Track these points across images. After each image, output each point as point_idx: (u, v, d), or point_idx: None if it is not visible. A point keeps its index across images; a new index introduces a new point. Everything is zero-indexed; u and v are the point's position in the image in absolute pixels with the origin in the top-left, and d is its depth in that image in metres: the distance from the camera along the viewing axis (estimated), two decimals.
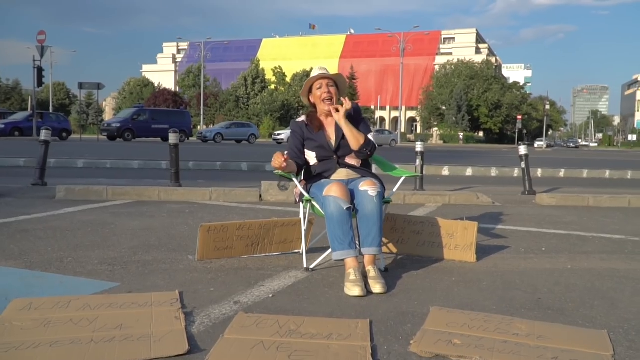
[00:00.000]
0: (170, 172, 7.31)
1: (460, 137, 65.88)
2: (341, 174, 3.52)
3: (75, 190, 6.48)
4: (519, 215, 6.17)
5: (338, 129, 3.56)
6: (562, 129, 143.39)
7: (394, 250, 3.99)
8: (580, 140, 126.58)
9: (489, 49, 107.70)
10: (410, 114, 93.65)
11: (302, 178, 3.67)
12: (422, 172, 7.67)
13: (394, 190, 3.64)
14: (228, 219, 5.46)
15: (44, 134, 7.27)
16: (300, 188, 3.53)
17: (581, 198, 7.14)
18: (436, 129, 75.84)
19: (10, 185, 7.24)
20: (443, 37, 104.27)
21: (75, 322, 2.45)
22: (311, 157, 3.60)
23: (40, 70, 28.00)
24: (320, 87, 3.56)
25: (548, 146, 60.80)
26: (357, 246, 3.26)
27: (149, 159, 13.22)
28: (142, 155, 14.54)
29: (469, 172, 12.96)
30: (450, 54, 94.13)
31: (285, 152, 3.44)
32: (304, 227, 3.70)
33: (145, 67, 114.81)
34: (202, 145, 29.21)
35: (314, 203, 3.42)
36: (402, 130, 72.07)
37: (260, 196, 6.77)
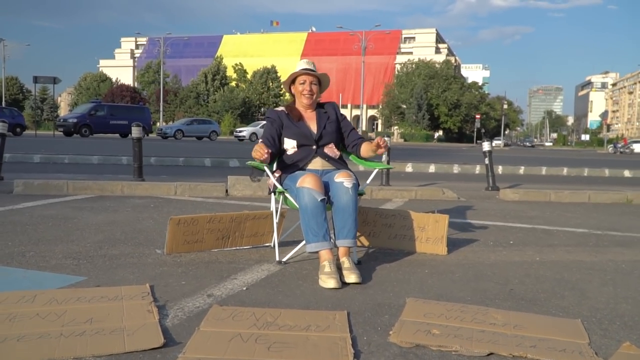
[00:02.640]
0: (132, 167, 7.14)
1: (435, 136, 66.78)
2: (316, 163, 3.49)
3: (34, 185, 6.26)
4: (484, 209, 6.25)
5: (320, 121, 3.57)
6: (518, 128, 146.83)
7: (366, 243, 3.98)
8: (535, 140, 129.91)
9: (449, 49, 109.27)
10: (372, 112, 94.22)
11: (275, 169, 3.63)
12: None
13: (367, 182, 3.63)
14: (196, 213, 5.34)
15: (0, 127, 6.99)
16: (273, 179, 3.48)
17: (543, 193, 7.29)
18: (397, 127, 76.55)
19: None
20: (404, 36, 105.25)
21: (42, 316, 2.35)
22: (290, 144, 3.56)
23: None
24: (303, 83, 3.56)
25: (505, 145, 62.11)
26: (331, 238, 3.23)
27: (109, 154, 12.90)
28: (101, 151, 14.18)
29: (431, 168, 13.11)
30: (411, 53, 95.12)
31: (259, 140, 3.41)
32: (275, 220, 3.65)
33: (102, 62, 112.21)
34: (162, 142, 28.72)
35: (287, 195, 3.38)
36: (364, 128, 72.33)
37: (227, 191, 6.68)
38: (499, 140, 58.99)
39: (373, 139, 3.56)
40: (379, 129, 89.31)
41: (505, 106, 57.63)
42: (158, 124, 60.30)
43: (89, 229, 4.35)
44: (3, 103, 64.81)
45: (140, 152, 7.12)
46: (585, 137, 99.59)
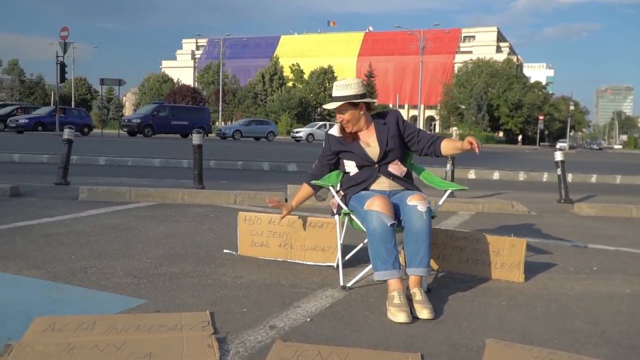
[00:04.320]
0: (192, 173, 7.11)
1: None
2: (383, 183, 3.28)
3: (98, 191, 6.31)
4: (559, 226, 5.87)
5: (381, 136, 3.31)
6: (584, 130, 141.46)
7: (435, 267, 3.73)
8: (603, 142, 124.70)
9: (510, 48, 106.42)
10: (429, 112, 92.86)
11: (340, 188, 3.44)
12: (452, 178, 7.38)
13: (440, 203, 3.39)
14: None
15: (67, 133, 7.12)
16: (338, 199, 3.30)
17: (623, 208, 6.81)
18: (455, 128, 75.04)
19: (34, 184, 7.10)
20: (463, 35, 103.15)
21: (101, 348, 2.25)
22: (351, 165, 3.37)
23: (62, 65, 28.01)
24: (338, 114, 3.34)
25: (570, 147, 59.83)
26: (401, 265, 3.02)
27: (170, 157, 13.06)
28: (163, 153, 14.41)
29: (495, 175, 12.63)
30: (471, 52, 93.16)
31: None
32: (340, 241, 3.47)
33: (164, 63, 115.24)
34: (221, 143, 29.09)
35: (353, 217, 3.19)
36: (421, 129, 71.13)
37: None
38: (564, 142, 56.88)
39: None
40: (437, 129, 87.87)
41: (572, 107, 55.48)
42: (217, 123, 61.41)
43: (149, 241, 4.29)
44: (72, 103, 67.49)
45: (201, 159, 7.09)
46: None
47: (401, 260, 3.20)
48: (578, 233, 5.48)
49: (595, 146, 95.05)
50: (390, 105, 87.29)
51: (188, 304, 2.86)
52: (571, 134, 73.36)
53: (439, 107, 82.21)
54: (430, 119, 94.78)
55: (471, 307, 3.01)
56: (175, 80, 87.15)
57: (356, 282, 3.30)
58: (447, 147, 3.30)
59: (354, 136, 3.36)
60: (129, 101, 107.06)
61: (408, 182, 3.33)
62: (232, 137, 37.15)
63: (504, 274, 3.62)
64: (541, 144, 66.12)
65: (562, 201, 7.33)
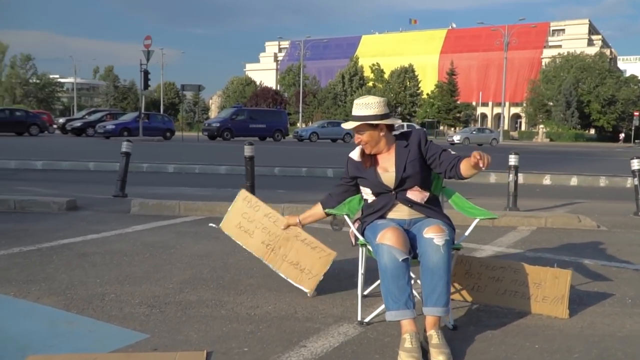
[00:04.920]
0: (245, 185, 7.08)
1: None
2: (401, 212, 3.03)
3: (149, 205, 6.41)
4: (628, 245, 5.34)
5: (399, 161, 3.06)
6: None
7: (469, 298, 3.44)
8: None
9: (603, 40, 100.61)
10: (514, 110, 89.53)
11: (359, 216, 3.23)
12: (515, 189, 6.92)
13: (466, 234, 3.09)
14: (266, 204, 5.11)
15: (125, 146, 7.29)
16: (353, 229, 3.09)
17: None
18: (542, 126, 71.93)
19: (94, 196, 7.36)
20: (552, 29, 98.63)
21: None
22: (367, 192, 3.15)
23: (146, 73, 29.24)
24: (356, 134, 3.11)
25: None
26: (415, 301, 2.77)
27: (237, 163, 13.19)
28: (233, 159, 14.61)
29: (573, 181, 11.85)
30: (560, 46, 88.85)
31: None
32: (361, 270, 3.26)
33: (248, 66, 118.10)
34: (296, 145, 29.36)
35: (370, 247, 2.97)
36: (505, 127, 68.85)
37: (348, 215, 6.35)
38: None
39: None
40: (523, 127, 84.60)
41: None
42: (298, 124, 62.12)
43: (180, 262, 4.26)
44: (161, 107, 70.58)
45: (253, 171, 7.06)
46: None
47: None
48: None
49: None
50: (473, 103, 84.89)
51: (191, 340, 2.75)
52: None
53: (524, 105, 79.08)
54: (516, 116, 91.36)
55: (497, 351, 2.72)
56: (257, 83, 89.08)
57: (376, 316, 3.08)
58: (465, 168, 2.92)
59: (373, 161, 3.13)
60: (214, 104, 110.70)
61: (432, 208, 3.06)
62: (308, 139, 37.42)
63: (545, 308, 3.27)
64: (636, 141, 61.93)
65: (639, 214, 6.70)
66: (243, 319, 3.07)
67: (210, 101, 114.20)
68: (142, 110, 31.06)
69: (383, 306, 3.04)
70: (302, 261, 3.52)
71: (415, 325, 2.66)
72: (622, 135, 62.77)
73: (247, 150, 7.05)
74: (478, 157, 2.72)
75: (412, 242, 2.85)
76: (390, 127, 3.12)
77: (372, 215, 3.04)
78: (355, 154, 3.23)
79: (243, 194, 3.80)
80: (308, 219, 3.50)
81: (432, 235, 2.76)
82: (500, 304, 3.37)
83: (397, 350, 2.63)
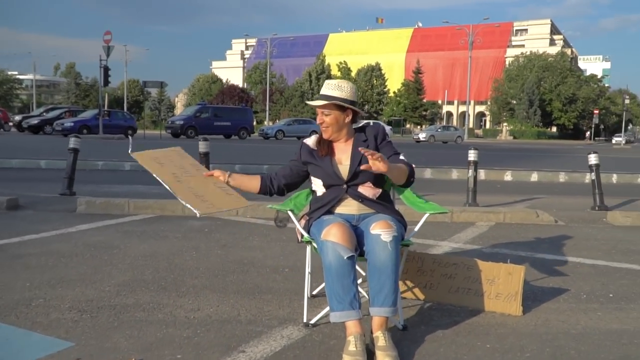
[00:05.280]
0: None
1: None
2: (350, 206, 2.87)
3: (96, 203, 6.12)
4: (585, 239, 5.30)
5: (356, 153, 2.90)
6: None
7: (421, 297, 3.31)
8: None
9: (564, 40, 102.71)
10: (479, 108, 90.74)
11: (307, 212, 3.06)
12: (475, 184, 6.85)
13: (416, 229, 2.94)
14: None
15: (72, 142, 6.98)
16: (298, 226, 2.92)
17: None
18: (506, 124, 73.05)
19: (40, 194, 7.02)
20: (515, 28, 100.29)
21: None
22: (318, 184, 2.98)
23: (106, 69, 28.54)
24: (320, 114, 2.93)
25: (627, 142, 57.10)
26: (360, 304, 2.61)
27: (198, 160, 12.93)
28: (195, 156, 14.31)
29: (534, 177, 11.92)
30: (523, 46, 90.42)
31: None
32: (307, 269, 3.09)
33: (214, 64, 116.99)
34: (262, 143, 29.04)
35: (315, 244, 2.80)
36: (470, 125, 69.75)
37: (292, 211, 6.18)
38: (620, 137, 54.34)
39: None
40: (487, 125, 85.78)
41: (628, 101, 52.92)
42: (265, 122, 61.64)
43: (122, 263, 4.02)
44: (125, 105, 69.27)
45: (208, 167, 6.81)
46: None
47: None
48: (605, 248, 4.91)
49: None
50: (439, 102, 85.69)
51: (120, 347, 2.54)
52: (628, 128, 70.15)
53: (489, 103, 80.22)
54: (481, 114, 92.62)
55: (447, 352, 2.58)
56: (224, 81, 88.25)
57: (322, 317, 2.92)
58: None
59: (329, 150, 2.96)
60: (180, 102, 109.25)
61: (382, 204, 2.91)
62: (274, 137, 37.11)
63: (499, 305, 3.16)
64: (596, 138, 63.43)
65: (596, 208, 6.71)
66: (181, 323, 2.87)
67: (176, 99, 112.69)
68: (103, 108, 30.31)
69: (325, 310, 2.88)
70: (207, 195, 2.92)
71: (361, 327, 2.50)
72: (588, 134, 64.21)
73: (202, 146, 6.83)
74: (369, 155, 2.55)
75: (359, 239, 2.69)
76: (354, 118, 2.97)
77: (319, 209, 2.87)
78: (310, 141, 3.05)
79: (179, 149, 3.25)
80: (238, 180, 3.09)
81: (380, 231, 2.60)
82: (453, 302, 3.24)
83: (342, 354, 2.47)
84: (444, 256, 3.38)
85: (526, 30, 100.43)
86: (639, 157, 24.05)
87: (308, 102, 3.00)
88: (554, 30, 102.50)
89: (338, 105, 2.86)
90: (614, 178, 11.49)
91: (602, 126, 73.69)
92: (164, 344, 2.59)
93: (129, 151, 3.08)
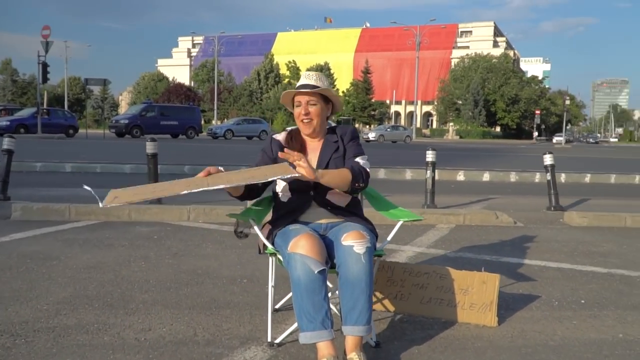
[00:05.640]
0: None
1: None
2: (317, 214, 2.63)
3: (34, 209, 5.67)
4: (546, 241, 5.24)
5: (323, 154, 2.68)
6: (581, 123, 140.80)
7: (391, 308, 3.11)
8: (599, 135, 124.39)
9: (507, 43, 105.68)
10: (426, 108, 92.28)
11: (268, 220, 2.81)
12: (432, 185, 6.74)
13: (389, 239, 2.73)
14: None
15: (6, 143, 6.47)
16: (261, 236, 2.66)
17: (617, 217, 6.19)
18: (452, 123, 74.49)
19: None
20: (460, 30, 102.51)
21: None
22: (281, 187, 2.72)
23: (45, 66, 27.31)
24: (299, 105, 2.68)
25: (567, 141, 59.17)
26: (333, 322, 2.38)
27: (145, 161, 12.41)
28: (140, 157, 13.74)
29: (485, 177, 12.00)
30: (468, 47, 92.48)
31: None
32: (271, 283, 2.84)
33: (160, 62, 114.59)
34: (211, 143, 28.42)
35: (280, 257, 2.55)
36: (418, 125, 70.57)
37: (254, 219, 5.90)
38: (560, 136, 56.26)
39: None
40: (434, 125, 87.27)
41: (568, 102, 54.79)
42: (213, 121, 60.64)
43: (62, 277, 3.65)
44: (65, 103, 66.78)
45: (156, 169, 6.46)
46: None
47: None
48: (567, 250, 4.86)
49: (591, 140, 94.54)
50: (387, 102, 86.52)
51: None
52: (568, 127, 72.74)
53: (435, 103, 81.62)
54: (428, 114, 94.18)
55: None
56: (170, 79, 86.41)
57: (289, 335, 2.67)
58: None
59: (302, 148, 2.70)
60: (124, 100, 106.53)
61: (352, 212, 2.68)
62: (223, 136, 36.48)
63: (473, 316, 2.99)
64: (538, 138, 65.44)
65: (552, 208, 6.71)
66: (130, 346, 2.57)
67: (120, 97, 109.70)
68: (42, 105, 28.99)
69: (296, 324, 2.64)
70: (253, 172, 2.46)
71: (334, 349, 2.27)
72: (536, 134, 66.20)
73: (149, 147, 6.45)
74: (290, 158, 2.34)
75: (328, 250, 2.46)
76: (330, 115, 2.76)
77: (284, 217, 2.62)
78: (281, 137, 2.79)
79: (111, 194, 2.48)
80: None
81: (352, 242, 2.38)
82: (425, 313, 3.05)
83: None
84: (415, 265, 3.19)
85: (471, 32, 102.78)
86: (581, 156, 24.81)
87: (303, 85, 2.66)
88: (497, 33, 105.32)
89: (323, 96, 2.65)
90: (563, 177, 11.68)
91: (543, 126, 76.06)
92: None
93: (101, 205, 2.43)
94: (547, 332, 2.88)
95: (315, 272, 2.29)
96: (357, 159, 2.66)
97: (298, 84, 2.72)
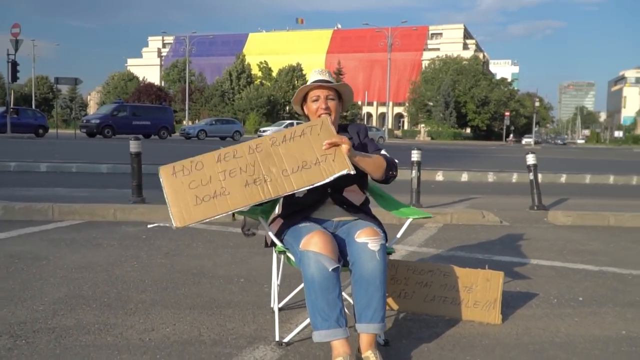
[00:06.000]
0: (131, 185, 6.35)
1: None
2: (330, 212, 2.60)
3: (15, 209, 5.52)
4: (534, 240, 5.31)
5: None
6: (549, 125, 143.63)
7: (395, 307, 3.10)
8: (566, 137, 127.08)
9: (477, 45, 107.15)
10: (398, 109, 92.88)
11: (277, 215, 2.77)
12: (418, 185, 6.77)
13: (398, 235, 2.73)
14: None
15: None
16: (270, 234, 2.62)
17: (600, 216, 6.30)
18: (423, 125, 75.18)
19: None
20: (431, 32, 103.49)
21: None
22: None
23: (14, 64, 26.67)
24: (316, 100, 2.65)
25: (536, 143, 60.30)
26: (347, 321, 2.35)
27: (120, 161, 12.19)
28: (115, 157, 13.50)
29: (464, 177, 12.11)
30: (438, 49, 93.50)
31: None
32: (276, 281, 2.81)
33: (130, 61, 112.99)
34: (184, 144, 28.09)
35: (290, 255, 2.52)
36: (390, 126, 71.03)
37: (234, 215, 5.83)
38: (530, 138, 57.26)
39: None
40: (405, 126, 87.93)
41: (537, 103, 55.86)
42: (184, 122, 59.96)
43: (54, 277, 3.55)
44: (33, 103, 65.27)
45: (140, 168, 6.34)
46: (619, 133, 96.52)
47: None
48: (556, 249, 4.92)
49: (559, 141, 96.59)
50: (359, 103, 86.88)
51: None
52: (536, 129, 74.06)
53: (407, 104, 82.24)
54: (399, 116, 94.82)
55: None
56: (140, 79, 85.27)
57: (297, 333, 2.63)
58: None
59: None
60: (93, 100, 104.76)
61: (364, 212, 2.66)
62: (196, 137, 36.10)
63: (477, 314, 3.00)
64: (507, 139, 66.59)
65: (535, 208, 6.80)
66: (135, 347, 2.50)
67: (89, 97, 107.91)
68: (9, 105, 28.29)
69: (305, 323, 2.61)
70: (305, 156, 2.36)
71: (349, 347, 2.25)
72: (511, 136, 67.44)
73: (133, 146, 6.34)
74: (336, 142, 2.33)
75: (339, 247, 2.43)
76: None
77: (296, 214, 2.58)
78: None
79: (166, 170, 2.39)
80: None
81: (366, 239, 2.36)
82: (429, 311, 3.05)
83: None
84: (418, 263, 3.19)
85: (441, 34, 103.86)
86: (551, 157, 25.25)
87: (318, 80, 2.63)
88: (467, 35, 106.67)
89: (337, 93, 2.68)
90: (539, 177, 11.83)
91: (512, 127, 77.28)
92: None
93: (171, 225, 2.30)
94: (551, 330, 2.90)
95: (330, 269, 2.26)
96: (383, 152, 2.66)
97: (311, 80, 2.69)
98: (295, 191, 2.33)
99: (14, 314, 2.86)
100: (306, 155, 2.36)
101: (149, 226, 3.32)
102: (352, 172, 2.30)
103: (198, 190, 2.33)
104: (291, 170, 2.33)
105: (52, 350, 2.44)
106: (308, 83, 2.71)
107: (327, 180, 2.31)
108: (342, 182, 2.44)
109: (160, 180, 2.36)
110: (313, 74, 2.73)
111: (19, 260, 3.94)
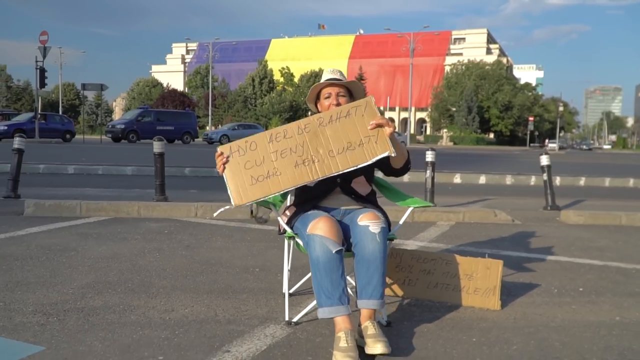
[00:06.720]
0: (154, 184, 6.62)
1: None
2: (338, 201, 2.80)
3: (46, 206, 5.81)
4: (544, 237, 5.43)
5: None
6: (574, 130, 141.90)
7: (399, 293, 3.28)
8: (592, 142, 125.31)
9: (500, 50, 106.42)
10: (420, 115, 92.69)
11: (289, 205, 2.98)
12: (432, 185, 6.93)
13: (401, 222, 2.92)
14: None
15: (17, 142, 6.61)
16: (281, 222, 2.82)
17: (612, 216, 6.38)
18: (446, 130, 74.91)
19: None
20: (453, 37, 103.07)
21: None
22: None
23: (42, 71, 27.43)
24: (328, 97, 2.86)
25: (560, 148, 59.72)
26: (349, 299, 2.54)
27: (146, 164, 12.55)
28: (140, 160, 13.89)
29: (482, 179, 12.20)
30: (461, 54, 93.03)
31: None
32: (287, 267, 3.01)
33: (154, 68, 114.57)
34: (207, 148, 28.55)
35: (299, 240, 2.72)
36: (412, 131, 71.11)
37: (252, 212, 6.06)
38: (554, 143, 56.71)
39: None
40: (428, 131, 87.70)
41: (561, 108, 55.36)
42: (207, 127, 60.74)
43: (82, 266, 3.81)
44: (60, 109, 66.69)
45: (162, 168, 6.60)
46: None
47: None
48: (564, 245, 5.04)
49: (584, 146, 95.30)
50: (381, 108, 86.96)
51: (95, 350, 2.38)
52: (561, 134, 73.39)
53: (429, 110, 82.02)
54: (422, 121, 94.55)
55: (435, 346, 2.55)
56: (164, 85, 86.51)
57: (305, 314, 2.84)
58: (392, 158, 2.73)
59: None
60: (118, 106, 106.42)
61: (369, 200, 2.85)
62: (219, 141, 36.61)
63: (477, 300, 3.16)
64: (531, 145, 66.02)
65: (549, 208, 6.90)
66: (156, 324, 2.73)
67: (114, 103, 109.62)
68: (38, 111, 29.06)
69: (312, 304, 2.81)
70: (350, 137, 2.55)
71: (351, 323, 2.44)
72: (547, 141, 66.99)
73: (157, 147, 6.60)
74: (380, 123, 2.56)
75: (345, 233, 2.63)
76: None
77: (307, 202, 2.78)
78: None
79: (223, 148, 2.68)
80: None
81: (368, 222, 2.56)
82: (432, 298, 3.23)
83: (330, 351, 2.40)
84: (422, 252, 3.36)
85: (464, 39, 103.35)
86: (574, 162, 25.10)
87: (330, 79, 2.83)
88: (490, 40, 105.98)
89: (348, 91, 2.87)
90: (558, 180, 11.89)
91: (536, 133, 76.62)
92: (141, 345, 2.45)
93: (230, 205, 2.66)
94: (547, 315, 3.06)
95: (333, 251, 2.46)
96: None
97: (323, 78, 2.90)
98: (340, 172, 2.53)
99: (45, 296, 3.10)
100: (351, 136, 2.55)
101: (214, 215, 3.68)
102: (394, 154, 2.53)
103: (253, 170, 2.57)
104: (337, 151, 2.54)
105: (80, 326, 2.67)
106: (322, 80, 2.92)
107: (370, 162, 2.53)
108: (351, 173, 2.64)
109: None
110: (325, 73, 2.94)
111: (49, 251, 4.21)
